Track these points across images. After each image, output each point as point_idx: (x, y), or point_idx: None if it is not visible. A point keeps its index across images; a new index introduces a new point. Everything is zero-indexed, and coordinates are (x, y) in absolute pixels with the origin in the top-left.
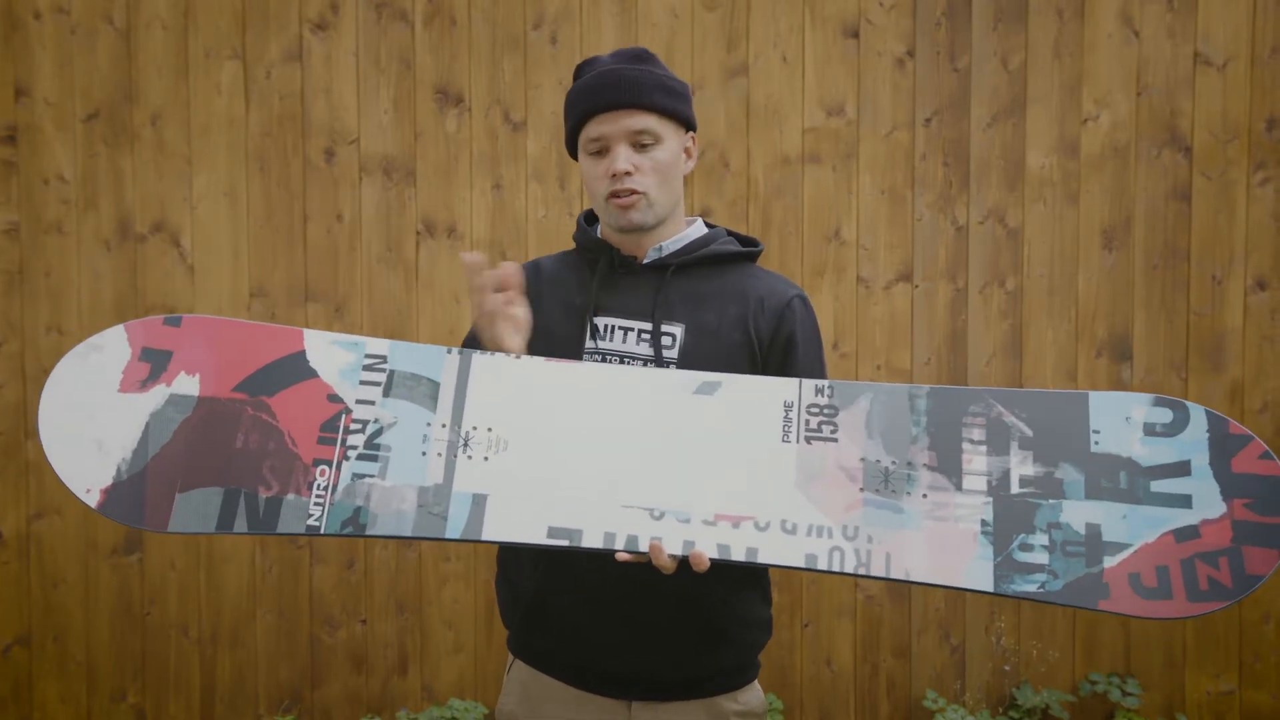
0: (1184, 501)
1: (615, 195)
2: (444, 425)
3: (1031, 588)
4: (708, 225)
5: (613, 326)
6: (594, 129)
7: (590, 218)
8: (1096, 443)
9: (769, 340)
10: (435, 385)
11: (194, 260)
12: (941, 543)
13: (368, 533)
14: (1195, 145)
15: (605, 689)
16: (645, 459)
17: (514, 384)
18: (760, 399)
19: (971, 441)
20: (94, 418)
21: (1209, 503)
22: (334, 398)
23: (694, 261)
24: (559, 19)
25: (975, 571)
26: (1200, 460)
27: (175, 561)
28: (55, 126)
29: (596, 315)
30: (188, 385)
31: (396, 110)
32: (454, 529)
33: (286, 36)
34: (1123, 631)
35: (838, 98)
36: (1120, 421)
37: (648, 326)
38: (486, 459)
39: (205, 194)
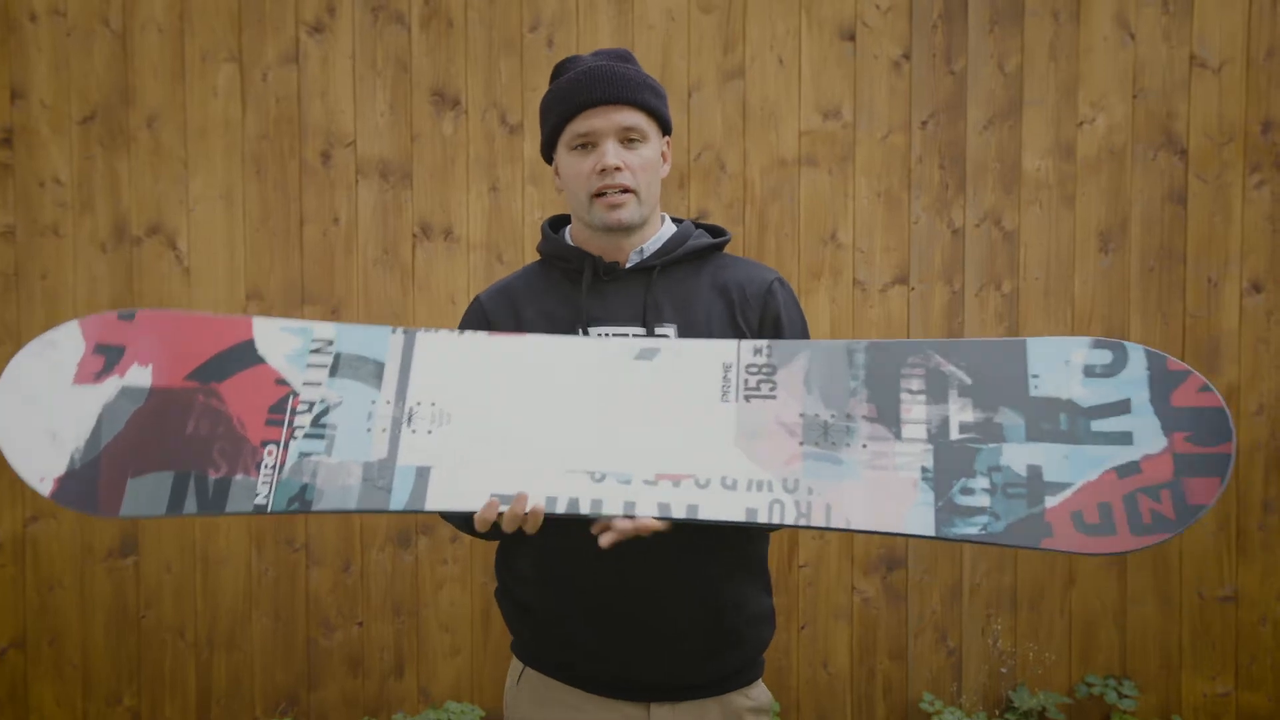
0: (1125, 439)
1: (603, 193)
2: (388, 402)
3: (973, 530)
4: (673, 220)
5: (606, 335)
6: (582, 124)
7: (555, 224)
8: (1035, 387)
9: (757, 327)
10: (380, 365)
11: (190, 263)
12: (882, 491)
13: (314, 508)
14: (1191, 148)
15: (623, 694)
16: (587, 424)
17: (458, 359)
18: (699, 361)
19: (910, 391)
20: (49, 410)
21: (1150, 438)
22: (281, 381)
23: (675, 260)
24: (555, 21)
25: (916, 517)
26: (1140, 397)
27: (171, 564)
28: (51, 129)
29: (588, 326)
30: (140, 377)
31: (393, 112)
32: (398, 501)
33: (283, 39)
34: (1119, 633)
35: (834, 100)
36: (1060, 365)
37: (640, 331)
38: (430, 432)
39: (202, 196)
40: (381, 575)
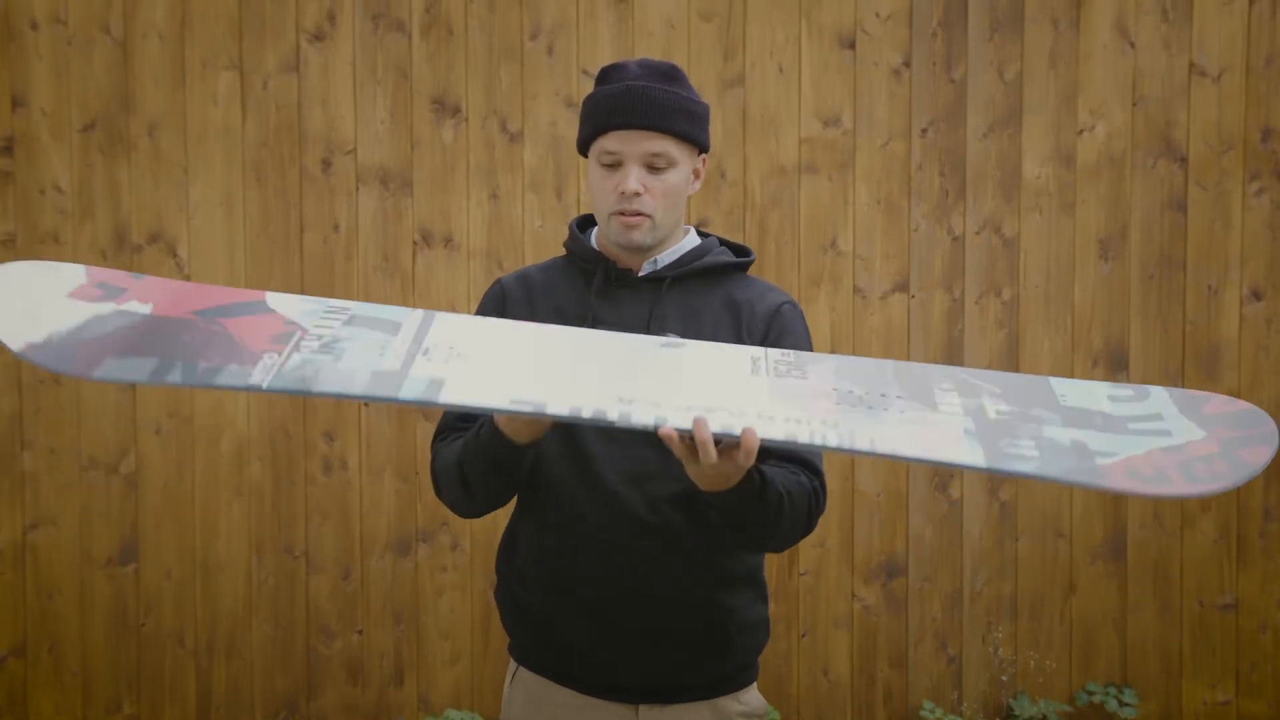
0: (1165, 434)
1: (620, 213)
2: (404, 343)
3: (1027, 467)
4: (700, 234)
5: None
6: (610, 143)
7: (583, 224)
8: (1064, 399)
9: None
10: (397, 325)
11: (190, 270)
12: (928, 433)
13: (313, 389)
14: (1191, 156)
15: (613, 695)
16: (614, 366)
17: (478, 334)
18: (726, 354)
19: (943, 390)
20: (36, 302)
21: (1189, 433)
22: (290, 323)
23: (689, 274)
24: (556, 29)
25: (966, 449)
26: (1170, 412)
27: (171, 571)
28: (51, 136)
29: (594, 328)
30: (139, 308)
31: (393, 120)
32: (410, 392)
33: (283, 46)
34: (1120, 641)
35: (834, 108)
36: (1084, 394)
37: None
38: (446, 363)
39: (202, 204)
40: (381, 582)
